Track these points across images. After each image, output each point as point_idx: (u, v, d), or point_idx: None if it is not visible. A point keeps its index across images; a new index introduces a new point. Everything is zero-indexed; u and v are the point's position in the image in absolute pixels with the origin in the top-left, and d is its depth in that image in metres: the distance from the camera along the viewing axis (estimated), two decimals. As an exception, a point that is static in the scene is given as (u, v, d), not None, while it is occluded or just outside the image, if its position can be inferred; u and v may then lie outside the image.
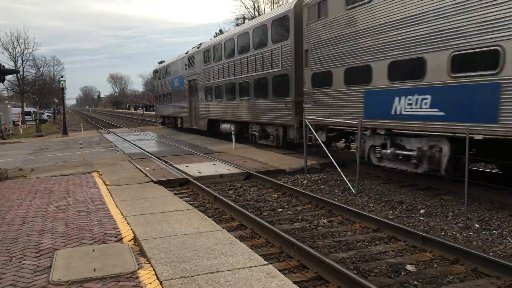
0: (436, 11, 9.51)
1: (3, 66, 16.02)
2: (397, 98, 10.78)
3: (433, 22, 9.60)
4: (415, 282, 5.73)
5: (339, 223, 8.51)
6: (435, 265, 6.30)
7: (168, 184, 11.93)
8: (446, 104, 9.44)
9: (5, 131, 37.16)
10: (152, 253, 6.00)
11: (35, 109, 68.35)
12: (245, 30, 20.23)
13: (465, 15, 8.87)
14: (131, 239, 6.78)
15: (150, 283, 5.07)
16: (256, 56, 18.82)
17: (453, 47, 9.17)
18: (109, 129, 40.36)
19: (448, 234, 7.60)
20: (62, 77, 39.62)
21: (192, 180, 12.26)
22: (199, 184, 11.60)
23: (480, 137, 8.68)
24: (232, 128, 21.21)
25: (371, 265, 6.31)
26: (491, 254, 6.51)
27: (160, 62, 38.92)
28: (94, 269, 5.49)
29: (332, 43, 13.34)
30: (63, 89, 39.06)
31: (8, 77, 52.57)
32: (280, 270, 5.60)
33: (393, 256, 6.72)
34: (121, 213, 8.36)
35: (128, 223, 7.61)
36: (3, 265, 5.82)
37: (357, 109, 12.20)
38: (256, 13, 53.65)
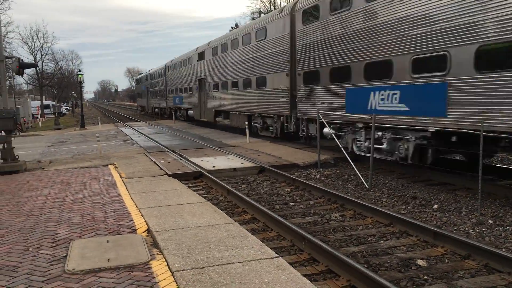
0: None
1: (22, 60, 16.31)
2: (176, 98, 38.34)
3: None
4: (426, 277, 5.73)
5: (351, 218, 8.52)
6: (446, 260, 6.29)
7: (182, 177, 12.06)
8: (187, 101, 34.41)
9: (24, 124, 37.76)
10: (164, 244, 6.11)
11: (53, 103, 69.18)
12: (157, 70, 49.24)
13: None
14: (145, 231, 6.90)
15: (162, 273, 5.17)
16: (157, 81, 48.22)
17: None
18: (126, 123, 40.76)
19: (461, 229, 7.57)
20: (80, 71, 40.21)
21: (206, 173, 12.37)
22: (213, 178, 11.71)
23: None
24: (157, 110, 49.39)
25: (381, 260, 6.33)
26: (503, 250, 6.47)
27: (139, 74, 66.39)
28: (108, 259, 5.61)
29: (171, 80, 40.29)
30: (81, 82, 39.54)
31: (28, 70, 53.35)
32: (290, 263, 5.66)
33: (404, 250, 6.72)
34: (136, 205, 8.50)
35: (142, 215, 7.74)
36: (20, 255, 5.98)
37: (168, 102, 42.66)
38: (272, 7, 53.41)
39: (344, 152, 12.22)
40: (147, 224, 7.19)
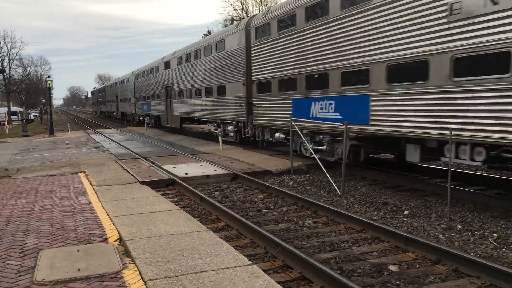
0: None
1: (-11, 65, 15.88)
2: (109, 106, 64.20)
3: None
4: (397, 282, 5.81)
5: (324, 224, 8.58)
6: (417, 265, 6.39)
7: (155, 184, 11.93)
8: (113, 108, 60.84)
9: (-9, 131, 36.72)
10: (137, 253, 6.02)
11: (21, 109, 67.65)
12: (101, 87, 79.64)
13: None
14: (116, 240, 6.78)
15: (135, 283, 5.09)
16: (101, 95, 73.39)
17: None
18: (96, 130, 40.09)
19: (431, 234, 7.71)
20: (49, 76, 39.34)
21: (179, 180, 12.26)
22: (186, 185, 11.62)
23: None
24: (102, 113, 75.26)
25: (354, 265, 6.39)
26: (472, 254, 6.62)
27: (94, 88, 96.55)
28: (79, 269, 5.49)
29: (108, 95, 65.95)
30: (50, 89, 38.75)
31: (-6, 76, 52.03)
32: (264, 270, 5.65)
33: (376, 256, 6.80)
34: (107, 214, 8.35)
35: (113, 224, 7.61)
36: (-13, 265, 5.79)
37: (106, 108, 70.25)
38: (245, 14, 53.69)
39: (317, 158, 12.32)
40: (118, 232, 7.07)
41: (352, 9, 11.54)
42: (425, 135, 9.68)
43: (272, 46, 15.77)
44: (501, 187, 10.41)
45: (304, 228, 8.33)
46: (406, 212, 9.16)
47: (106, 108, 67.61)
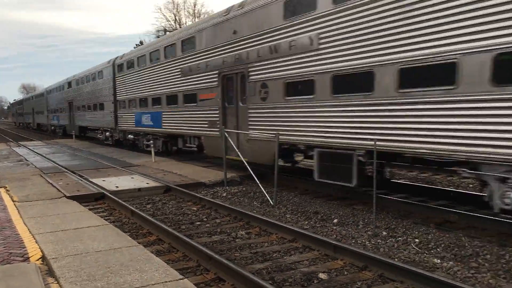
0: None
1: None
2: (27, 117, 71.85)
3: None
4: (327, 290, 5.96)
5: (256, 235, 8.64)
6: (345, 272, 6.59)
7: (83, 199, 11.47)
8: (30, 119, 69.17)
9: None
10: (61, 272, 5.75)
11: None
12: (19, 100, 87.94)
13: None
14: (39, 258, 6.45)
15: (58, 303, 4.86)
16: (19, 107, 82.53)
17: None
18: (20, 142, 37.98)
19: (358, 242, 7.99)
20: (-34, 86, 36.93)
21: (109, 194, 11.87)
22: (116, 199, 11.27)
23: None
24: (20, 124, 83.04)
25: (286, 275, 6.47)
26: (396, 260, 6.92)
27: (15, 100, 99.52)
28: (-4, 292, 5.16)
29: (25, 107, 72.70)
30: (-33, 98, 36.37)
31: None
32: (196, 284, 5.61)
33: (307, 265, 6.94)
34: (29, 231, 7.92)
35: (36, 241, 7.23)
36: None
37: (24, 119, 77.04)
38: (178, 25, 53.40)
39: (250, 169, 12.42)
40: (42, 251, 6.73)
41: (155, 62, 20.40)
42: (185, 133, 18.10)
43: (125, 78, 24.63)
44: (423, 195, 10.99)
45: (237, 240, 8.34)
46: (335, 220, 9.44)
47: (24, 119, 76.42)
